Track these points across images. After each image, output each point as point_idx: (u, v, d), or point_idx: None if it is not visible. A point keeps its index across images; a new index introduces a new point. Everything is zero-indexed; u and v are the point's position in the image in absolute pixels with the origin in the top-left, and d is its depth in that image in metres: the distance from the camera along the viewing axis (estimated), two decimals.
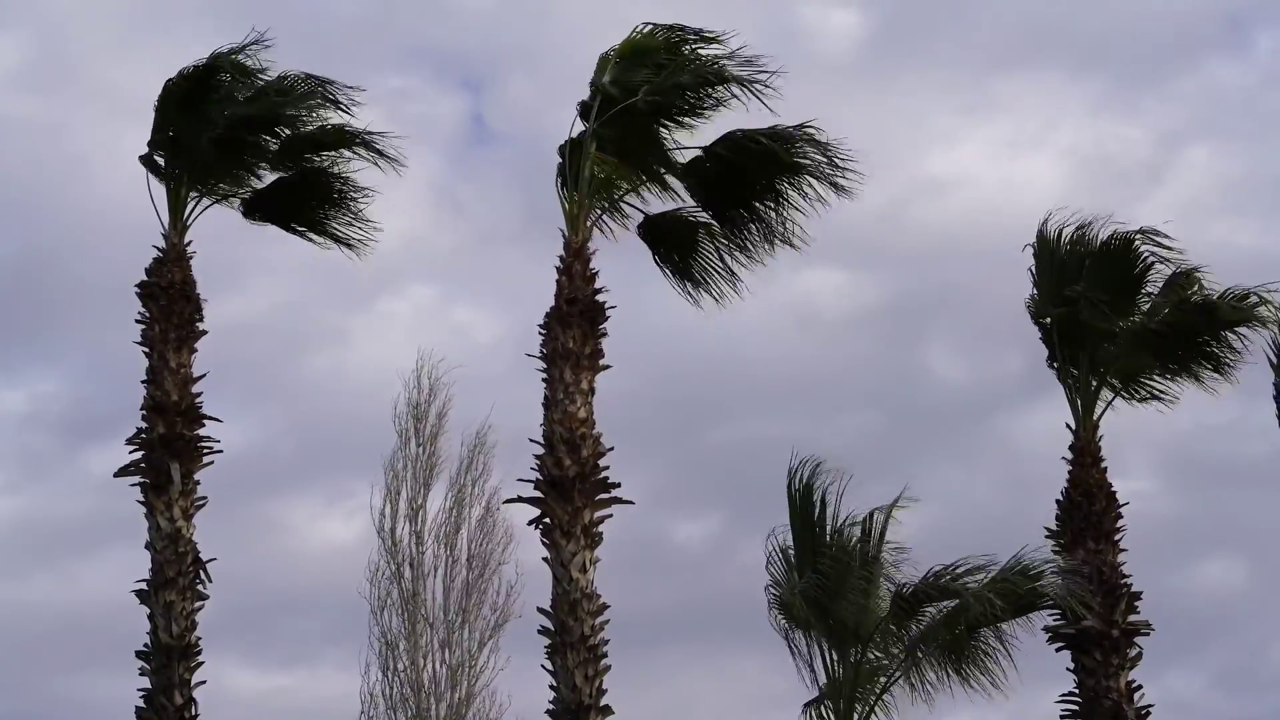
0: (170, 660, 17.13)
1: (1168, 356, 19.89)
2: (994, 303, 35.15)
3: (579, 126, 18.20)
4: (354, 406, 38.40)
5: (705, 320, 19.41)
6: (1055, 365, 19.77)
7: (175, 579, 17.31)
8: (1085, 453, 19.43)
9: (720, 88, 18.06)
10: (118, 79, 42.10)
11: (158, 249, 18.26)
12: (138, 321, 18.07)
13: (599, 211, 18.50)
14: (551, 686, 16.54)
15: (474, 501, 30.30)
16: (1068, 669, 18.83)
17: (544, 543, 16.86)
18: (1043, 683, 19.40)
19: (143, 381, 17.92)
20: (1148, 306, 19.84)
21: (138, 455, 17.70)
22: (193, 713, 17.19)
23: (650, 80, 17.94)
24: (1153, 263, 19.65)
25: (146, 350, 18.02)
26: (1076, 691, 18.76)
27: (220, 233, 19.14)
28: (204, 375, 18.04)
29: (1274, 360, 19.61)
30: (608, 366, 17.44)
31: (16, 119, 39.18)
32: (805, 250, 18.90)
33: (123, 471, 17.72)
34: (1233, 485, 37.46)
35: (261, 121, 18.56)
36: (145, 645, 17.33)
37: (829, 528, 17.78)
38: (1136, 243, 19.57)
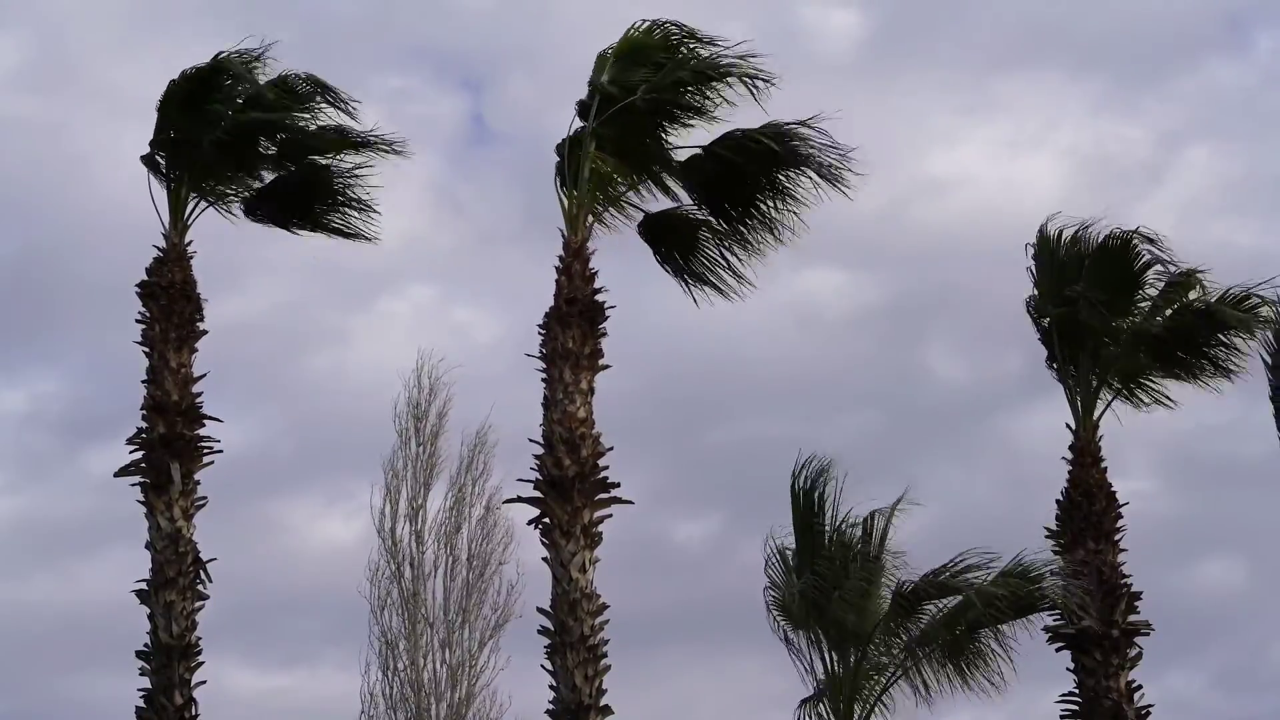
0: (170, 660, 17.13)
1: (1169, 360, 19.91)
2: (994, 303, 35.16)
3: (577, 125, 18.19)
4: (354, 406, 38.43)
5: (705, 320, 19.43)
6: (1054, 366, 19.78)
7: (175, 579, 17.30)
8: (1085, 453, 19.44)
9: (719, 84, 18.02)
10: (118, 79, 42.15)
11: (158, 249, 18.26)
12: (138, 321, 18.08)
13: (599, 209, 18.50)
14: (551, 686, 16.53)
15: (474, 501, 30.31)
16: (1068, 669, 18.85)
17: (543, 543, 16.85)
18: (1043, 683, 19.45)
19: (143, 381, 17.91)
20: (1147, 308, 19.87)
21: (138, 455, 17.70)
22: (193, 713, 17.18)
23: (649, 79, 17.93)
24: (1150, 262, 19.68)
25: (147, 350, 18.02)
26: (1076, 691, 18.76)
27: (220, 233, 19.18)
28: (204, 375, 18.05)
29: (1269, 361, 19.64)
30: (607, 366, 17.43)
31: (16, 119, 39.21)
32: (805, 250, 18.93)
33: (123, 471, 17.72)
34: (1233, 485, 37.49)
35: (262, 123, 18.55)
36: (145, 645, 17.32)
37: (830, 528, 17.81)
38: (1134, 243, 19.59)
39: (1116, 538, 19.19)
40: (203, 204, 18.78)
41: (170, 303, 18.02)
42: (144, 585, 17.42)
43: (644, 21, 18.13)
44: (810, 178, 18.13)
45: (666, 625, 33.69)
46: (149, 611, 17.34)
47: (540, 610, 16.77)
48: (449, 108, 47.64)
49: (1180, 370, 19.97)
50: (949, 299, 41.48)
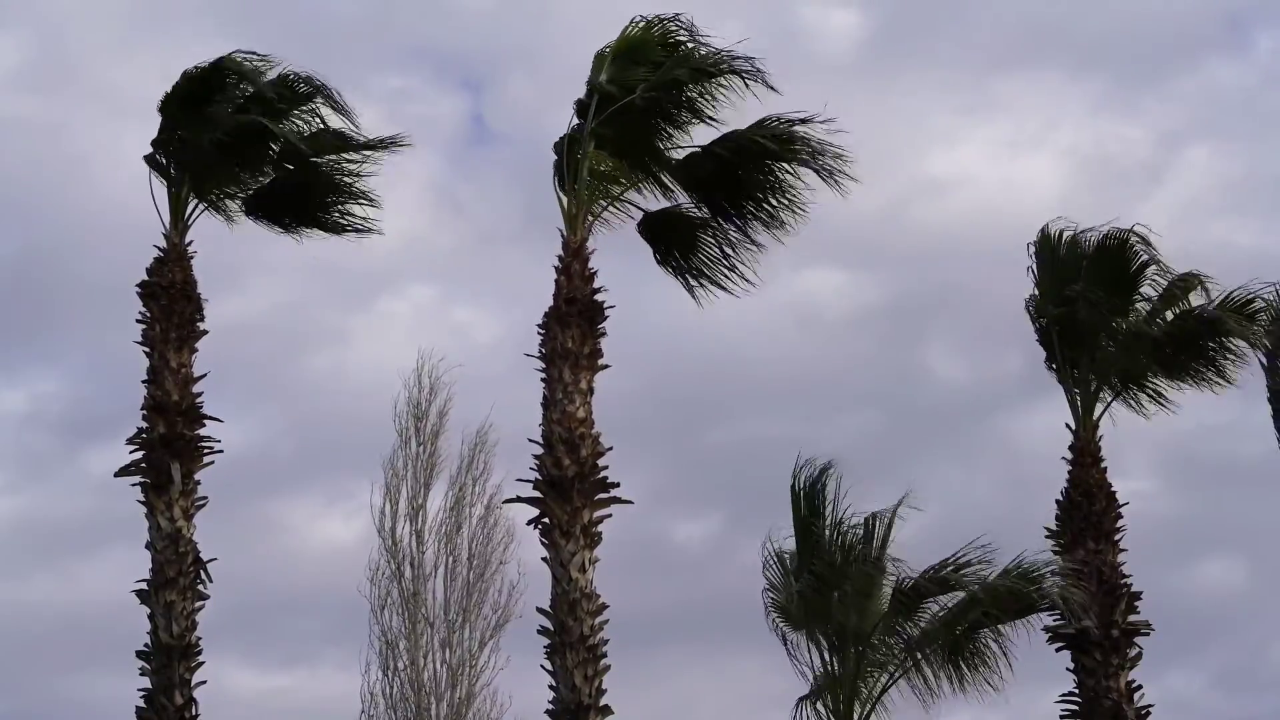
0: (170, 660, 17.13)
1: (1169, 363, 19.91)
2: (994, 303, 35.18)
3: (575, 124, 18.15)
4: (354, 406, 38.43)
5: (705, 320, 19.42)
6: (1053, 367, 19.78)
7: (175, 579, 17.30)
8: (1085, 453, 19.45)
9: (718, 81, 18.00)
10: (118, 79, 42.19)
11: (159, 249, 18.26)
12: (138, 321, 18.08)
13: (599, 208, 18.48)
14: (551, 686, 16.53)
15: (475, 501, 30.29)
16: (1068, 669, 18.86)
17: (543, 542, 16.85)
18: (1043, 683, 19.45)
19: (143, 381, 17.91)
20: (1147, 309, 19.87)
21: (138, 455, 17.70)
22: (193, 713, 17.18)
23: (647, 78, 17.91)
24: (1147, 262, 19.70)
25: (147, 350, 18.02)
26: (1076, 691, 18.77)
27: (220, 233, 19.19)
28: (204, 375, 18.05)
29: (1265, 362, 19.65)
30: (607, 366, 17.42)
31: (16, 119, 39.26)
32: (805, 250, 18.94)
33: (123, 471, 17.72)
34: (1232, 485, 37.49)
35: (262, 124, 18.53)
36: (145, 645, 17.32)
37: (829, 529, 17.80)
38: (1130, 242, 19.61)
39: (1116, 538, 19.20)
40: (203, 204, 18.78)
41: (171, 303, 18.02)
42: (144, 585, 17.42)
43: (641, 18, 18.10)
44: (808, 173, 18.13)
45: (666, 625, 33.73)
46: (149, 611, 17.34)
47: (540, 610, 16.77)
48: (449, 108, 47.72)
49: (1180, 373, 19.97)
50: (949, 299, 41.54)
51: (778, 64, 17.72)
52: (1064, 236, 19.91)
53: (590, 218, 18.07)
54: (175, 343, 17.95)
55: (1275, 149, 46.37)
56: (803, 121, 17.75)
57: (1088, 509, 19.20)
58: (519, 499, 17.06)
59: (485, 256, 43.80)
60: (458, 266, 43.51)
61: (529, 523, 16.99)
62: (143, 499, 17.62)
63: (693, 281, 19.10)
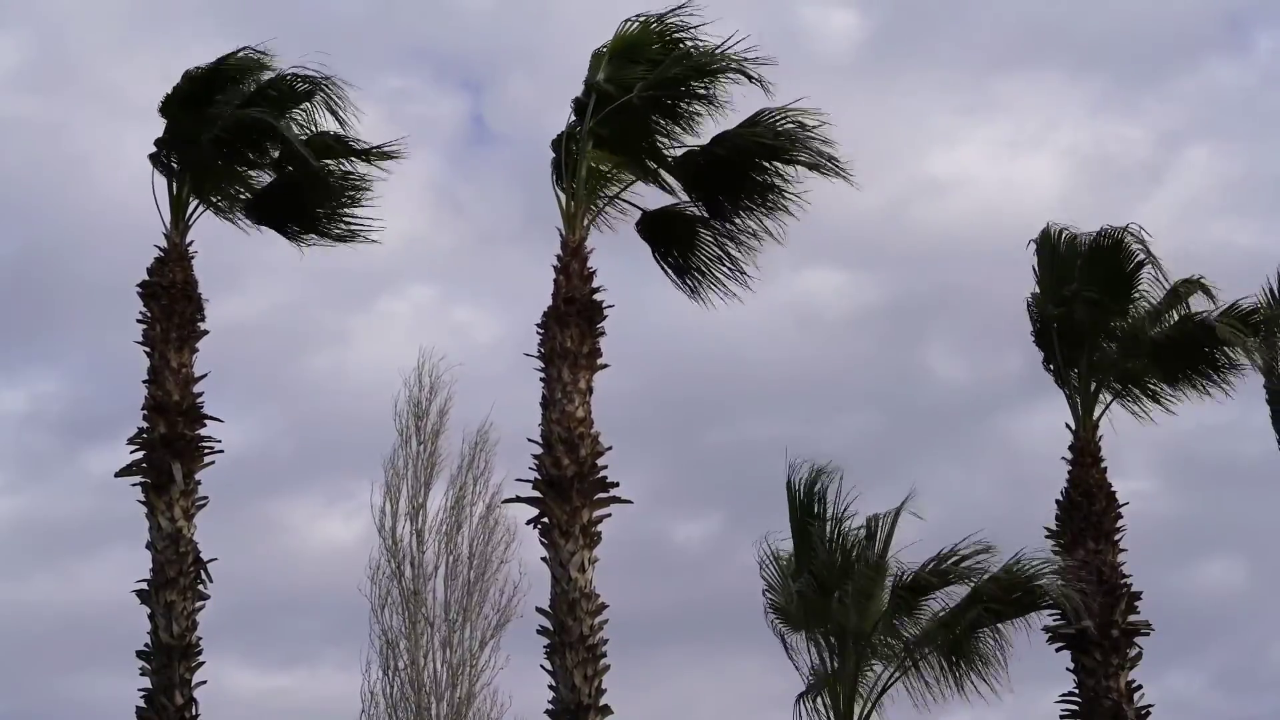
0: (171, 660, 17.13)
1: (1168, 367, 19.91)
2: (994, 303, 35.24)
3: (572, 122, 18.13)
4: (354, 406, 38.46)
5: (705, 320, 19.41)
6: (1052, 368, 19.77)
7: (176, 579, 17.31)
8: (1085, 453, 19.45)
9: (715, 79, 17.97)
10: (118, 79, 42.22)
11: (159, 249, 18.26)
12: (139, 321, 18.08)
13: (597, 207, 18.47)
14: (551, 686, 16.53)
15: (475, 500, 30.29)
16: (1068, 669, 18.86)
17: (542, 542, 16.85)
18: (1043, 683, 19.46)
19: (144, 381, 17.91)
20: (1145, 309, 19.87)
21: (139, 455, 17.70)
22: (193, 713, 17.18)
23: (645, 76, 17.89)
24: (1143, 262, 19.70)
25: (148, 350, 18.02)
26: (1076, 691, 18.77)
27: (221, 233, 19.19)
28: (205, 375, 18.05)
29: (1261, 364, 19.65)
30: (606, 366, 17.42)
31: (16, 119, 39.30)
32: (805, 250, 18.95)
33: (124, 471, 17.72)
34: (1232, 485, 37.52)
35: (261, 123, 18.53)
36: (145, 645, 17.32)
37: (828, 529, 17.79)
38: (1126, 242, 19.62)
39: (1116, 538, 19.20)
40: (204, 204, 18.78)
41: (171, 303, 18.02)
42: (144, 585, 17.42)
43: (637, 17, 18.08)
44: (806, 170, 18.09)
45: (666, 625, 33.76)
46: (149, 611, 17.34)
47: (539, 610, 16.77)
48: (449, 108, 47.77)
49: (1179, 379, 19.97)
50: (949, 299, 41.58)
51: (778, 64, 17.74)
52: (1064, 236, 19.91)
53: (589, 217, 18.07)
54: (176, 343, 17.95)
55: (1275, 149, 46.45)
56: (800, 117, 17.73)
57: (1088, 509, 19.20)
58: (518, 499, 17.07)
59: (485, 256, 43.89)
60: (458, 266, 43.60)
61: (528, 522, 17.01)
62: (143, 499, 17.62)
63: (691, 283, 19.10)
